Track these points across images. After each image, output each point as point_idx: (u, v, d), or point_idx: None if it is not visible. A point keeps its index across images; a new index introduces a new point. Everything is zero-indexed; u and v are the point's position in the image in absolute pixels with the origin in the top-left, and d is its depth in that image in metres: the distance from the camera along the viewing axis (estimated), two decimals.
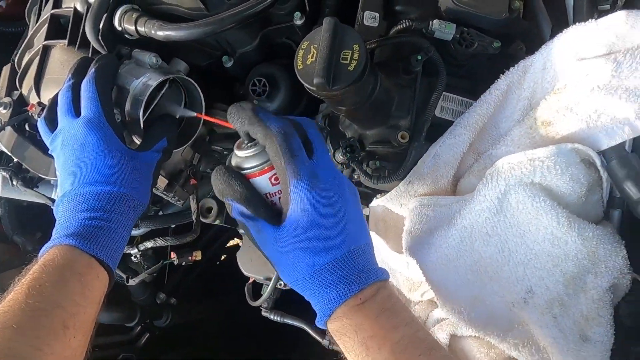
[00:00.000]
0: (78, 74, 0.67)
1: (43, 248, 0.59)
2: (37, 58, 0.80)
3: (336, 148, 0.77)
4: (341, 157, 0.76)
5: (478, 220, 0.59)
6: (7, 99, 0.82)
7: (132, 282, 0.88)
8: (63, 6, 0.80)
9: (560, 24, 0.78)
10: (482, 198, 0.59)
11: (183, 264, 0.86)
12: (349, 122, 0.76)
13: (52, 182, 0.85)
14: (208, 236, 1.26)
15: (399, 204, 0.73)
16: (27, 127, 0.79)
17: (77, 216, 0.59)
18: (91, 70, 0.66)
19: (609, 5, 0.66)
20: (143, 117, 0.68)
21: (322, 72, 0.59)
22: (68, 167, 0.62)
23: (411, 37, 0.71)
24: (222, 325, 1.24)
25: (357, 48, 0.60)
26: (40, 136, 0.78)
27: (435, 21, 0.70)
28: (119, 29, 0.72)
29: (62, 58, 0.77)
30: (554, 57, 0.60)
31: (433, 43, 0.71)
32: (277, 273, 0.81)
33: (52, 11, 0.79)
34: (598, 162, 0.57)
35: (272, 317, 0.90)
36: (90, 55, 0.74)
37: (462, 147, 0.66)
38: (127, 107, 0.68)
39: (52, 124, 0.67)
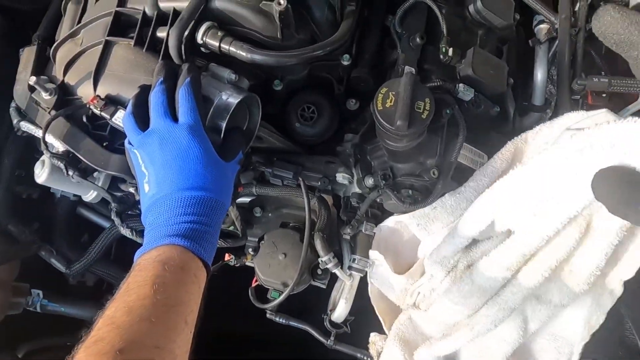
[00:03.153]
0: (169, 78, 0.71)
1: (147, 244, 0.62)
2: (92, 51, 0.80)
3: (365, 174, 0.91)
4: (371, 182, 0.90)
5: None
6: (50, 85, 0.79)
7: None
8: (127, 6, 0.81)
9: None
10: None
11: (237, 264, 0.90)
12: (380, 153, 0.90)
13: (94, 174, 0.83)
14: None
15: (416, 223, 0.88)
16: (84, 119, 0.77)
17: (183, 218, 0.63)
18: (187, 79, 0.70)
19: (579, 96, 0.92)
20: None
21: (404, 116, 0.73)
22: (169, 169, 0.65)
23: (442, 94, 0.89)
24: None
25: (429, 101, 0.76)
26: (93, 129, 0.79)
27: (460, 85, 0.89)
28: (200, 42, 0.77)
29: (127, 57, 0.78)
30: (552, 131, 0.82)
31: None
32: (296, 278, 0.91)
33: (118, 9, 0.80)
34: None
35: (277, 319, 0.98)
36: (160, 60, 0.77)
37: (480, 191, 0.85)
38: (209, 117, 0.74)
39: (141, 122, 0.69)
